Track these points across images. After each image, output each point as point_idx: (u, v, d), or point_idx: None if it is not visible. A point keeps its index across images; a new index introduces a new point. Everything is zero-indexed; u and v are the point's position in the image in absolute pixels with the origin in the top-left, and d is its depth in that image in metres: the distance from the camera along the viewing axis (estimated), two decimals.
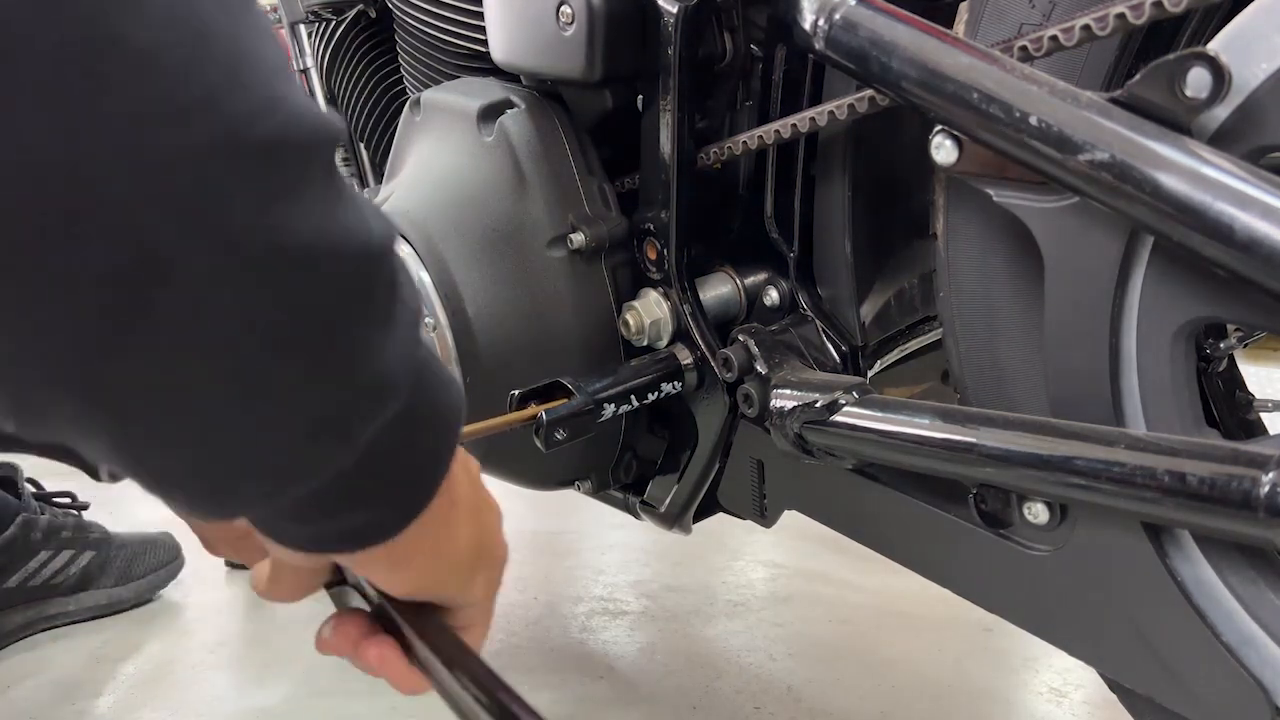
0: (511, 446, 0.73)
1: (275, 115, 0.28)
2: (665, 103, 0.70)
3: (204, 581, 1.34)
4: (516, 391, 0.70)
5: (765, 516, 0.76)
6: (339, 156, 1.15)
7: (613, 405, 0.71)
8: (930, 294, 0.78)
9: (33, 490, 1.25)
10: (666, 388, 0.74)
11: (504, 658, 1.13)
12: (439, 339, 0.80)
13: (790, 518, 0.75)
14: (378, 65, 1.09)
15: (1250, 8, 0.49)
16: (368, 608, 0.47)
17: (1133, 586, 0.56)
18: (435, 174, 0.82)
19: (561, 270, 0.75)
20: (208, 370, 0.29)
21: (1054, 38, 0.53)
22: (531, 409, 0.68)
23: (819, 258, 0.74)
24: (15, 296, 0.26)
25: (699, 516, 0.84)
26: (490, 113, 0.78)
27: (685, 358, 0.74)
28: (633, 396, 0.72)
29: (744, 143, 0.70)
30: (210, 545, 0.51)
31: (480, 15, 0.80)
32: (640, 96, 0.73)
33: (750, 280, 0.76)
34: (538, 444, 0.68)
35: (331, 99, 1.16)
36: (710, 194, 0.75)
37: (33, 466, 1.31)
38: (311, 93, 1.17)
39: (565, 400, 0.69)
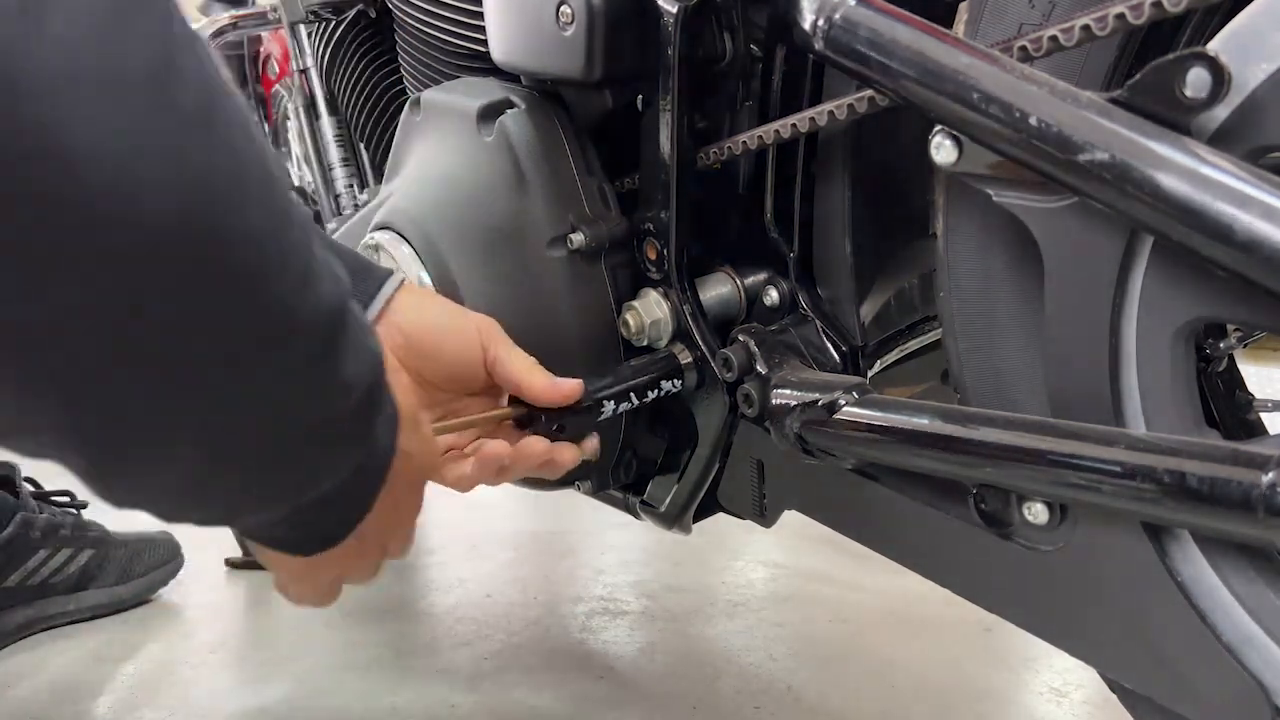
0: None
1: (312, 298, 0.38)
2: (665, 103, 0.70)
3: (204, 581, 1.34)
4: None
5: (765, 516, 0.76)
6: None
7: (612, 403, 0.71)
8: (930, 294, 0.78)
9: (31, 489, 1.25)
10: (666, 385, 0.73)
11: (504, 657, 1.13)
12: None
13: (790, 518, 0.75)
14: (378, 65, 1.09)
15: (1250, 8, 0.49)
16: None
17: (1133, 586, 0.56)
18: (435, 174, 0.82)
19: (561, 270, 0.75)
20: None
21: (1054, 38, 0.53)
22: (520, 408, 0.68)
23: (819, 258, 0.74)
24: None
25: (699, 516, 0.84)
26: (490, 113, 0.77)
27: (685, 357, 0.74)
28: (632, 395, 0.72)
29: (744, 143, 0.70)
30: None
31: (480, 15, 0.80)
32: (640, 96, 0.73)
33: (750, 280, 0.76)
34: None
35: (331, 99, 1.15)
36: (710, 194, 0.75)
37: (32, 466, 1.31)
38: (311, 93, 1.16)
39: None
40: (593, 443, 0.72)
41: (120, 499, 0.39)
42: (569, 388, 0.68)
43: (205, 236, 0.32)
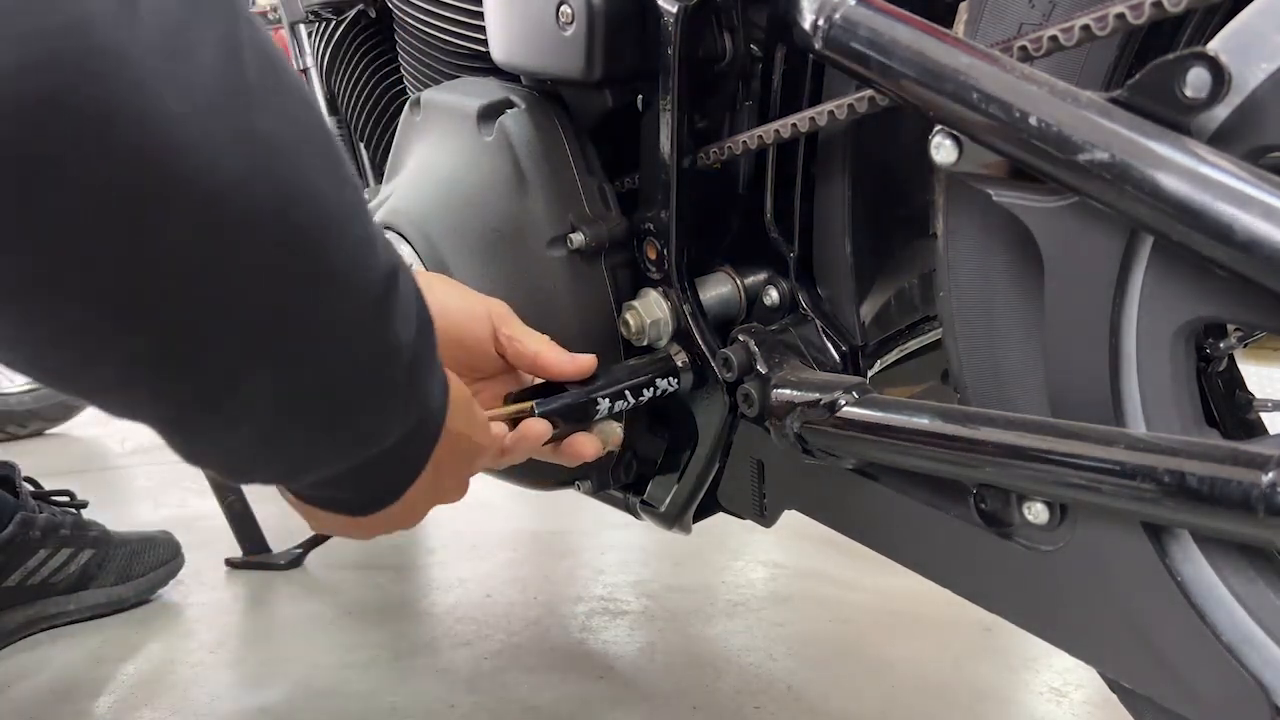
0: None
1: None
2: (665, 103, 0.70)
3: (204, 581, 1.34)
4: (510, 392, 0.70)
5: (765, 516, 0.76)
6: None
7: (607, 401, 0.71)
8: (930, 294, 0.78)
9: (31, 489, 1.25)
10: (662, 385, 0.74)
11: (504, 657, 1.13)
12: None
13: (790, 518, 0.75)
14: (378, 65, 1.09)
15: (1250, 7, 0.49)
16: None
17: (1133, 586, 0.56)
18: (435, 174, 0.82)
19: (561, 270, 0.75)
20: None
21: (1054, 38, 0.53)
22: (523, 404, 0.68)
23: (819, 257, 0.74)
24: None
25: (699, 516, 0.84)
26: (490, 113, 0.78)
27: (681, 358, 0.74)
28: (628, 393, 0.72)
29: (744, 143, 0.70)
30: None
31: (480, 15, 0.80)
32: (640, 96, 0.73)
33: (750, 280, 0.76)
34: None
35: (331, 99, 1.15)
36: (710, 194, 0.75)
37: (31, 465, 1.31)
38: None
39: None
40: (618, 435, 0.73)
41: (198, 453, 0.42)
42: (586, 362, 0.70)
43: (273, 191, 0.35)
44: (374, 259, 0.41)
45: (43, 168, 0.30)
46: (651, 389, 0.73)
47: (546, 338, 0.69)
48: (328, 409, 0.42)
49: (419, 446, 0.51)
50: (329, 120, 1.16)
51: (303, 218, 0.37)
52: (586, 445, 0.70)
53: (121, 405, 0.39)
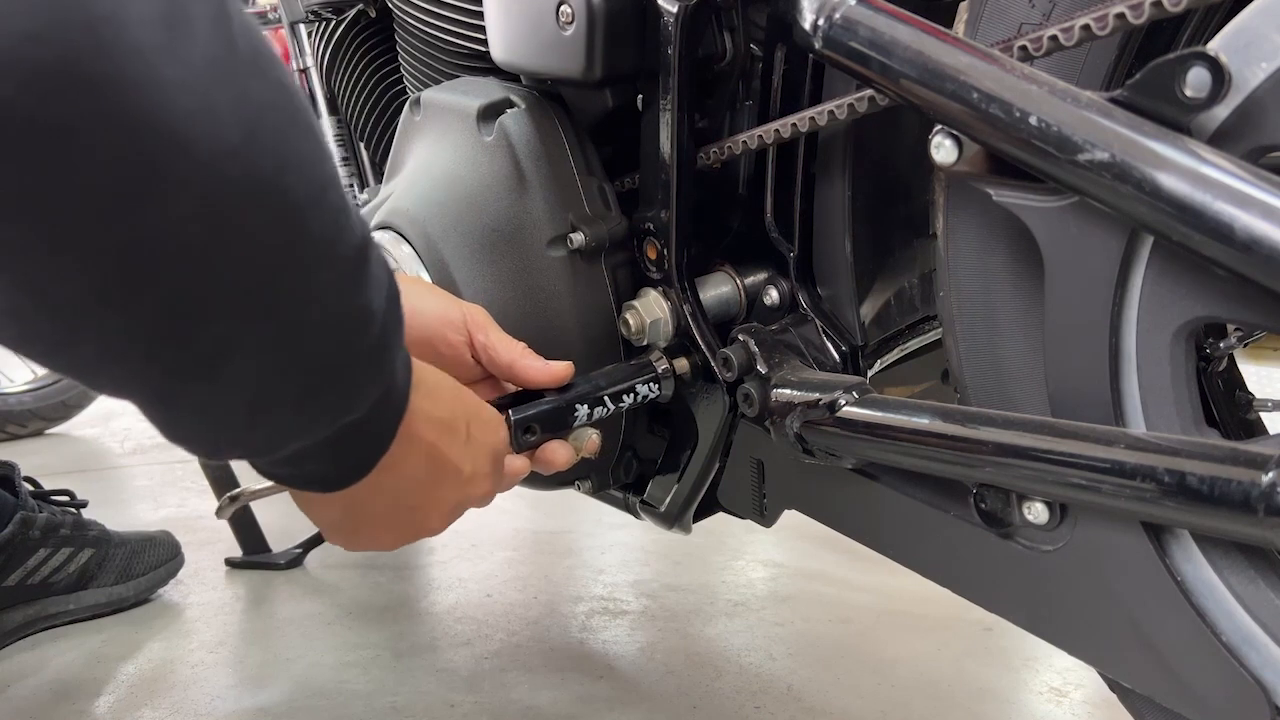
0: None
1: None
2: (665, 102, 0.70)
3: (204, 581, 1.34)
4: (492, 399, 0.69)
5: (765, 516, 0.76)
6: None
7: (586, 408, 0.70)
8: (930, 294, 0.78)
9: (30, 488, 1.25)
10: (644, 391, 0.73)
11: (504, 657, 1.13)
12: None
13: (790, 518, 0.75)
14: (378, 65, 1.09)
15: (1250, 7, 0.49)
16: None
17: (1133, 586, 0.56)
18: (435, 173, 0.82)
19: (561, 270, 0.75)
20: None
21: (1054, 37, 0.53)
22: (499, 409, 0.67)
23: (819, 257, 0.74)
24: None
25: (699, 516, 0.84)
26: (490, 112, 0.78)
27: (663, 364, 0.74)
28: (607, 400, 0.71)
29: (744, 142, 0.70)
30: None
31: (480, 15, 0.80)
32: (640, 96, 0.73)
33: (750, 280, 0.76)
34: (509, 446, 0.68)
35: (331, 99, 1.15)
36: (710, 194, 0.75)
37: (31, 465, 1.31)
38: (311, 93, 1.16)
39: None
40: (594, 442, 0.72)
41: (180, 427, 0.42)
42: (561, 369, 0.69)
43: (268, 158, 0.36)
44: (350, 226, 0.42)
45: (45, 135, 0.30)
46: (632, 395, 0.73)
47: (523, 345, 0.69)
48: (305, 377, 0.43)
49: (386, 417, 0.51)
50: (328, 118, 1.16)
51: (291, 185, 0.37)
52: (559, 453, 0.69)
53: (109, 379, 0.39)
